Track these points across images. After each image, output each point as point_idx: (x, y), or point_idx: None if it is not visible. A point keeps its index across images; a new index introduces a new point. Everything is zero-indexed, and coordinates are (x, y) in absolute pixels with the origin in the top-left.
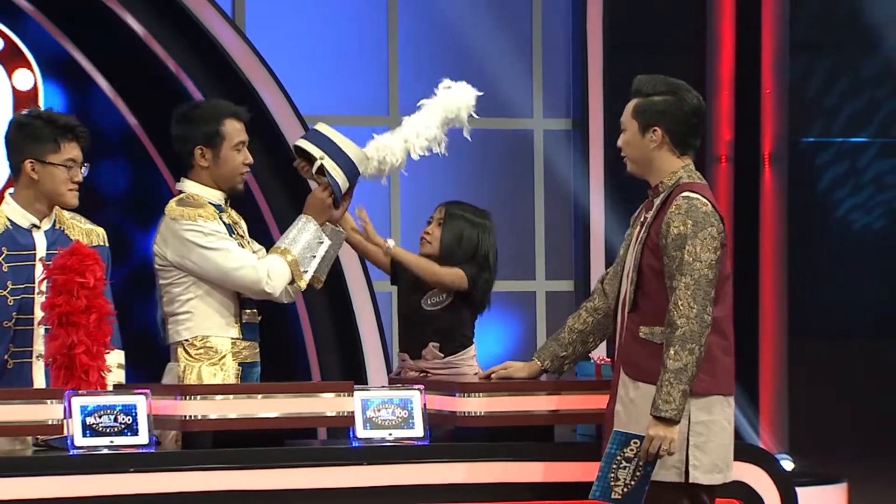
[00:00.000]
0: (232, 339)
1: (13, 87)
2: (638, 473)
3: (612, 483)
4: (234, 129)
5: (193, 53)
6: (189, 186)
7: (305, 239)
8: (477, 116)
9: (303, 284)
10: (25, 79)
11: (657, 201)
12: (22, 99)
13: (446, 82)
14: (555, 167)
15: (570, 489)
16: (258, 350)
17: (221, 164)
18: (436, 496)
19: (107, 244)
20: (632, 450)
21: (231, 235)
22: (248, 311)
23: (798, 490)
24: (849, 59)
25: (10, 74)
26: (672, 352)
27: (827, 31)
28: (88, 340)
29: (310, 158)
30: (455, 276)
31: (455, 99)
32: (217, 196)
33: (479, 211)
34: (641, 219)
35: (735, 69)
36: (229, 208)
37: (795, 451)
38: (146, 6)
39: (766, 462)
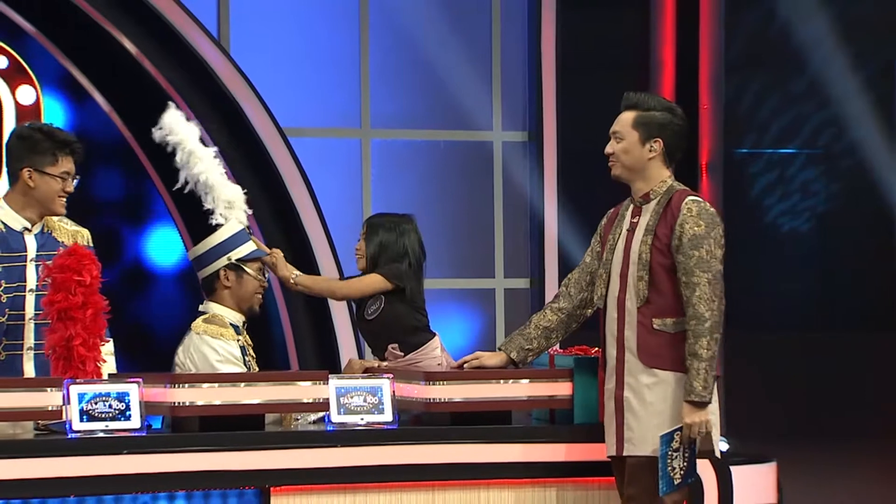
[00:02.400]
0: None
1: (16, 102)
2: (686, 454)
3: (671, 473)
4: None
5: (182, 71)
6: (213, 307)
7: None
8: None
9: None
10: (28, 94)
11: (650, 206)
12: (24, 113)
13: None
14: (512, 175)
15: (524, 468)
16: None
17: (244, 284)
18: (403, 475)
19: (91, 244)
20: (677, 441)
21: (244, 357)
22: None
23: (732, 468)
24: (778, 77)
25: (13, 90)
26: (704, 342)
27: (759, 53)
28: (85, 333)
29: (233, 268)
30: (372, 281)
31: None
32: (237, 318)
33: (399, 217)
34: (627, 224)
35: (675, 86)
36: (245, 332)
37: (731, 433)
38: (138, 28)
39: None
